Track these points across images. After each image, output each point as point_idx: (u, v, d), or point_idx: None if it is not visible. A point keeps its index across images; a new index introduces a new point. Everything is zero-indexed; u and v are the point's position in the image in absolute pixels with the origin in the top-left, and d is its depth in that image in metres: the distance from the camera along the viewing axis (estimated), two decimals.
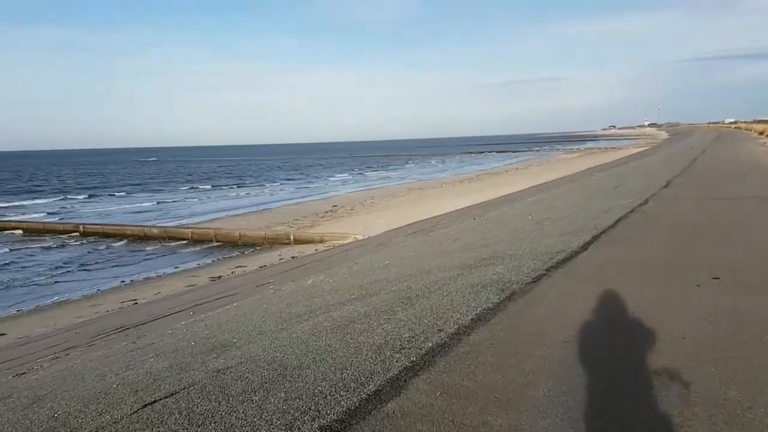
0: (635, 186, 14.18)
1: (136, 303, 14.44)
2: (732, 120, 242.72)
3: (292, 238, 22.85)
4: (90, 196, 52.54)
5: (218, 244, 23.68)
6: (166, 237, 24.91)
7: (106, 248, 23.70)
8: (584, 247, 6.88)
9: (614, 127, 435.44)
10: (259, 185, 57.85)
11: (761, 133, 69.06)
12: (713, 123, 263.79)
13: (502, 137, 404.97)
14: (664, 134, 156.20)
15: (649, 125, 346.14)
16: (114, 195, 53.53)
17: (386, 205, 32.25)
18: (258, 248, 22.54)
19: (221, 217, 31.70)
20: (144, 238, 25.31)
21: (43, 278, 18.72)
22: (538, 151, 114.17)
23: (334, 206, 33.26)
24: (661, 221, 8.62)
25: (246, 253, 21.62)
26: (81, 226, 27.17)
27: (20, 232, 28.63)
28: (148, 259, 21.42)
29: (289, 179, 65.07)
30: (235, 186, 58.05)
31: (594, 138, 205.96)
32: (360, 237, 21.72)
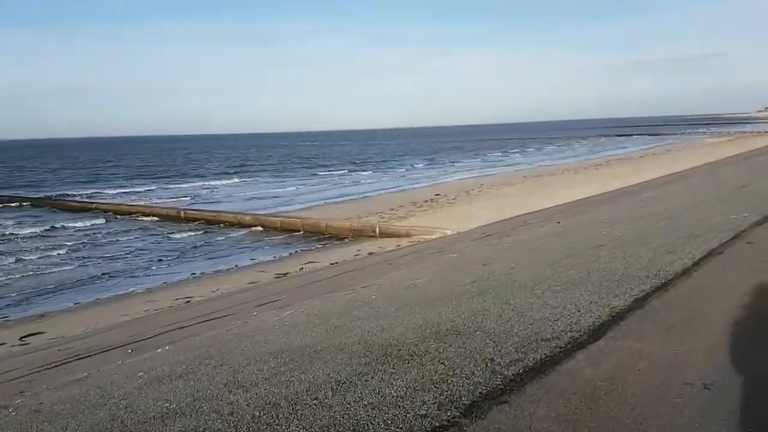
0: (763, 188, 10.67)
1: (188, 302, 13.29)
2: None
3: (377, 230, 21.03)
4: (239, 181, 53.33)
5: (305, 233, 22.44)
6: (258, 224, 24.08)
7: (203, 234, 23.28)
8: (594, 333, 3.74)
9: None
10: (379, 170, 56.58)
11: None
12: None
13: (647, 119, 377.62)
14: None
15: None
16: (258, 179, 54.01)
17: (493, 195, 29.51)
18: (342, 240, 21.00)
19: (320, 205, 30.61)
20: (238, 225, 24.69)
21: (140, 268, 18.26)
22: (682, 134, 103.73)
23: (436, 195, 31.00)
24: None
25: (327, 245, 20.12)
26: (182, 212, 27.18)
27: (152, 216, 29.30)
28: (234, 248, 20.55)
29: (408, 164, 63.30)
30: (352, 172, 57.19)
31: (746, 121, 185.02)
32: (449, 232, 19.47)
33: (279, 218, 23.90)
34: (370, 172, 54.67)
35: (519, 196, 27.27)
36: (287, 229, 23.09)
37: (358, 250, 18.42)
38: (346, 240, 21.08)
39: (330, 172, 56.18)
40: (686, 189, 12.79)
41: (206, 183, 49.87)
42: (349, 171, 56.62)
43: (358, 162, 70.67)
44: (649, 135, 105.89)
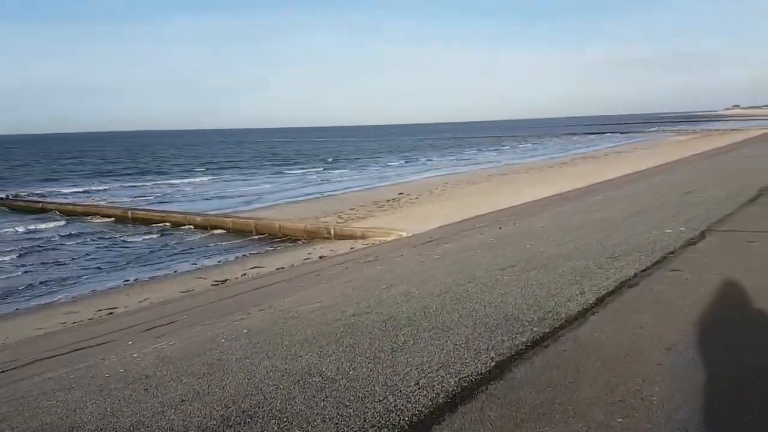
0: (711, 195, 10.04)
1: (111, 313, 12.27)
2: None
3: (332, 232, 20.14)
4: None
5: (258, 235, 21.47)
6: (208, 226, 22.98)
7: (144, 236, 22.10)
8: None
9: (738, 106, 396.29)
10: (351, 168, 55.58)
11: None
12: None
13: (620, 117, 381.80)
14: None
15: None
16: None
17: (456, 194, 28.79)
18: (295, 242, 20.09)
19: (282, 204, 29.58)
20: (187, 225, 23.56)
21: (72, 275, 16.97)
22: (650, 132, 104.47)
23: (400, 194, 30.18)
24: (699, 297, 4.17)
25: (278, 248, 19.18)
26: (129, 212, 25.93)
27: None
28: (179, 252, 19.46)
29: (383, 162, 62.46)
30: (326, 169, 56.01)
31: (715, 119, 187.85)
32: (404, 234, 18.70)
33: (231, 219, 22.84)
34: (342, 169, 53.66)
35: (480, 196, 26.61)
36: (240, 231, 22.07)
37: (309, 254, 17.54)
38: (300, 242, 20.18)
39: (303, 170, 55.01)
40: (636, 192, 12.10)
41: (172, 181, 48.42)
42: (324, 168, 55.48)
43: (331, 159, 69.48)
44: (621, 133, 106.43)
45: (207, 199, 34.54)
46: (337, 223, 21.75)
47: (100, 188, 43.99)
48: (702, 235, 5.88)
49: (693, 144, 51.83)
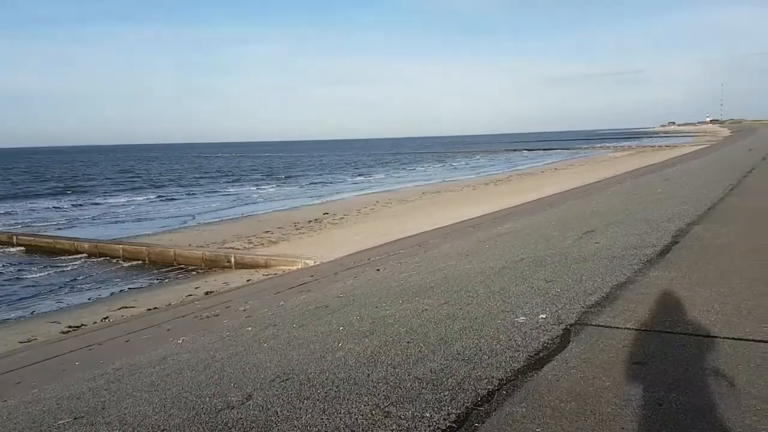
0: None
1: None
2: None
3: (232, 260, 17.99)
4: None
5: (150, 263, 19.09)
6: (97, 254, 20.41)
7: (19, 266, 19.36)
8: None
9: (674, 123, 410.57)
10: (285, 185, 53.22)
11: None
12: None
13: (558, 133, 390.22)
14: (725, 131, 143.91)
15: (711, 121, 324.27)
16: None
17: (382, 214, 27.01)
18: (191, 273, 17.85)
19: (192, 227, 27.12)
20: (74, 252, 20.90)
21: None
22: (587, 149, 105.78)
23: (324, 214, 28.18)
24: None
25: (166, 280, 16.92)
26: (15, 237, 23.06)
27: None
28: (47, 286, 16.83)
29: (322, 178, 60.44)
30: (260, 187, 53.33)
31: (651, 135, 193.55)
32: (311, 263, 16.76)
33: (122, 246, 20.31)
34: (275, 187, 51.25)
35: (405, 216, 24.92)
36: (131, 258, 19.63)
37: (197, 288, 15.35)
38: (195, 272, 17.94)
39: (231, 187, 52.27)
40: (539, 224, 10.41)
41: (100, 200, 44.78)
42: (257, 186, 52.63)
43: (266, 176, 66.62)
44: (564, 149, 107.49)
45: (110, 223, 31.29)
46: (241, 249, 19.57)
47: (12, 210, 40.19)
48: (565, 337, 3.83)
49: (626, 161, 51.69)
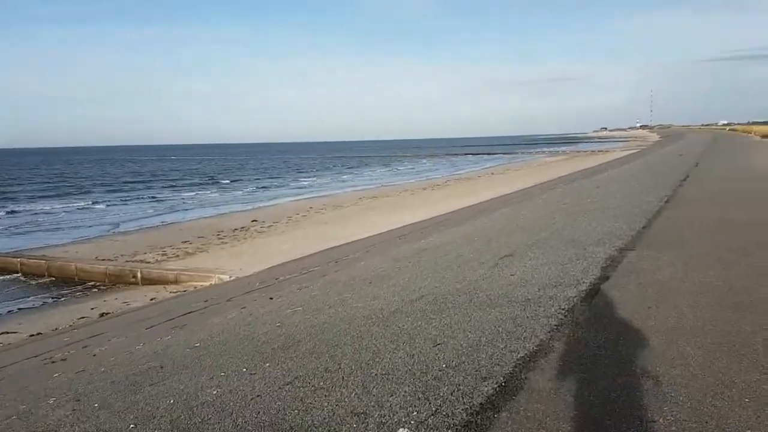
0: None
1: None
2: (725, 122, 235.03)
3: (139, 276, 16.27)
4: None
5: (50, 279, 17.15)
6: None
7: None
8: None
9: (606, 128, 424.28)
10: (221, 190, 50.89)
11: (765, 137, 61.58)
12: (706, 125, 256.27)
13: (502, 138, 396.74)
14: (655, 136, 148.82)
15: (641, 127, 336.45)
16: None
17: (313, 221, 25.65)
18: (90, 290, 16.05)
19: (107, 235, 25.01)
20: None
21: None
22: (525, 153, 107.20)
23: (253, 221, 26.57)
24: None
25: (62, 298, 15.12)
26: None
27: None
28: None
29: (254, 182, 58.43)
30: (199, 191, 50.78)
31: (585, 140, 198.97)
32: (226, 277, 15.30)
33: (20, 260, 18.22)
34: (210, 192, 48.92)
35: (337, 224, 23.65)
36: (30, 273, 17.61)
37: (93, 308, 13.68)
38: (97, 289, 16.13)
39: (166, 193, 49.55)
40: (462, 239, 9.32)
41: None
42: (195, 192, 49.90)
43: (228, 181, 62.94)
44: (505, 154, 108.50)
45: (57, 230, 28.50)
46: (152, 263, 17.82)
47: None
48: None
49: (560, 166, 52.01)
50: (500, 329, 4.43)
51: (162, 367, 4.42)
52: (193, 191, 50.18)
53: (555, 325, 4.42)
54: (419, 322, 4.76)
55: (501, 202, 20.86)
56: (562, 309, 4.79)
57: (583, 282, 5.64)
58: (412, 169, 72.52)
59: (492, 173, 52.09)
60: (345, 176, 63.76)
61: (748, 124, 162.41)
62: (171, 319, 7.86)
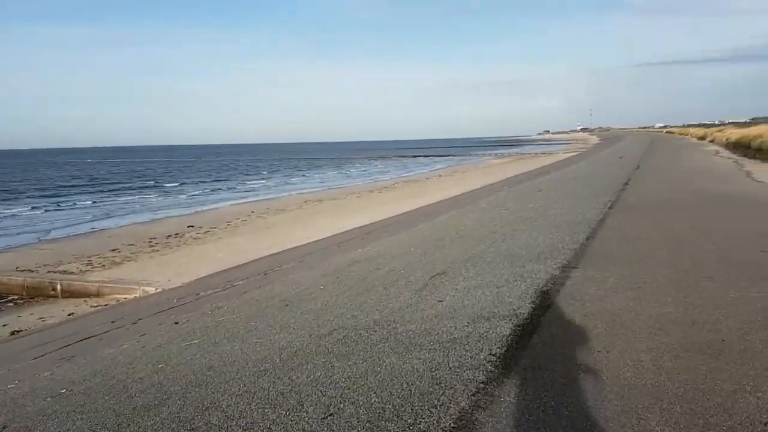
0: (505, 252, 6.83)
1: None
2: (662, 125, 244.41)
3: (59, 288, 15.01)
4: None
5: None
6: None
7: None
8: None
9: (548, 131, 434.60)
10: (165, 194, 48.80)
11: (701, 138, 63.67)
12: (643, 127, 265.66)
13: (447, 140, 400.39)
14: (595, 139, 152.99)
15: (582, 129, 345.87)
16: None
17: (252, 227, 24.65)
18: (10, 303, 14.69)
19: (32, 244, 23.29)
20: None
21: None
22: (473, 155, 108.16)
23: (189, 227, 25.31)
24: None
25: None
26: None
27: None
28: None
29: (199, 185, 56.52)
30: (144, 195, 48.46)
31: (530, 143, 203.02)
32: (151, 290, 14.25)
33: None
34: (151, 196, 46.70)
35: (277, 229, 22.76)
36: None
37: (5, 325, 12.47)
38: (14, 303, 14.79)
39: (105, 197, 47.11)
40: (398, 248, 8.62)
41: None
42: (138, 195, 47.48)
43: (178, 184, 60.18)
44: (455, 156, 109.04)
45: None
46: (75, 273, 16.52)
47: None
48: None
49: (506, 168, 52.35)
50: (413, 389, 3.49)
51: (3, 428, 3.55)
52: (133, 195, 47.99)
53: (482, 384, 3.50)
54: (318, 373, 3.85)
55: (446, 205, 20.43)
56: (493, 356, 3.93)
57: (520, 313, 4.83)
58: (365, 171, 71.82)
59: (440, 175, 51.96)
60: (294, 179, 62.51)
61: (684, 126, 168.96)
62: (66, 346, 6.90)
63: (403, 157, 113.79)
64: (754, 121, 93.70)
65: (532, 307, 5.00)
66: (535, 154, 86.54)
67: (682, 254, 7.11)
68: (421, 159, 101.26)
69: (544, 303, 5.18)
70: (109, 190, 54.36)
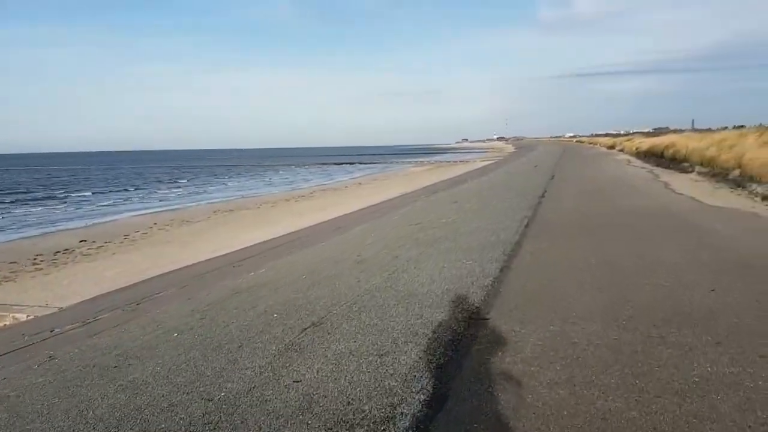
0: (404, 291, 5.75)
1: None
2: (572, 134, 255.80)
3: None
4: None
5: None
6: None
7: None
8: None
9: (467, 140, 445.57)
10: (58, 202, 44.94)
11: (611, 147, 65.97)
12: (555, 137, 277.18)
13: (373, 147, 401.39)
14: (510, 147, 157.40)
15: (498, 138, 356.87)
16: None
17: (155, 240, 22.60)
18: None
19: None
20: None
21: None
22: (394, 163, 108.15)
23: (81, 241, 22.86)
24: None
25: None
26: None
27: None
28: None
29: (102, 195, 52.64)
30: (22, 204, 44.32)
31: (449, 150, 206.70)
32: (23, 317, 12.25)
33: None
34: (45, 207, 42.58)
35: (179, 243, 20.84)
36: None
37: None
38: None
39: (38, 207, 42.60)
40: (288, 276, 7.39)
41: None
42: (30, 207, 42.98)
43: (91, 193, 55.03)
44: (377, 163, 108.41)
45: None
46: None
47: None
48: None
49: (423, 176, 52.01)
50: None
51: None
52: (35, 206, 43.55)
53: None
54: None
55: (358, 217, 19.33)
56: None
57: (402, 416, 3.35)
58: (287, 179, 69.72)
59: (360, 183, 50.91)
60: (212, 187, 59.52)
61: (592, 135, 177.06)
62: None
63: (329, 164, 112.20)
64: (658, 131, 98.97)
65: (419, 404, 3.55)
66: (454, 162, 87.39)
67: (618, 297, 5.78)
68: (346, 166, 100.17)
69: (439, 392, 3.74)
70: (9, 201, 48.97)
